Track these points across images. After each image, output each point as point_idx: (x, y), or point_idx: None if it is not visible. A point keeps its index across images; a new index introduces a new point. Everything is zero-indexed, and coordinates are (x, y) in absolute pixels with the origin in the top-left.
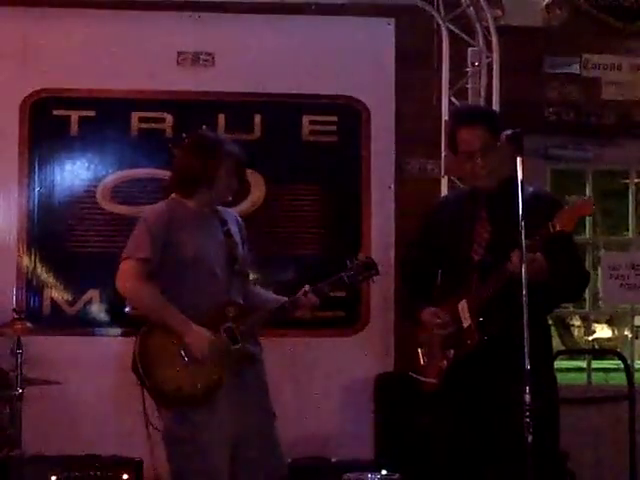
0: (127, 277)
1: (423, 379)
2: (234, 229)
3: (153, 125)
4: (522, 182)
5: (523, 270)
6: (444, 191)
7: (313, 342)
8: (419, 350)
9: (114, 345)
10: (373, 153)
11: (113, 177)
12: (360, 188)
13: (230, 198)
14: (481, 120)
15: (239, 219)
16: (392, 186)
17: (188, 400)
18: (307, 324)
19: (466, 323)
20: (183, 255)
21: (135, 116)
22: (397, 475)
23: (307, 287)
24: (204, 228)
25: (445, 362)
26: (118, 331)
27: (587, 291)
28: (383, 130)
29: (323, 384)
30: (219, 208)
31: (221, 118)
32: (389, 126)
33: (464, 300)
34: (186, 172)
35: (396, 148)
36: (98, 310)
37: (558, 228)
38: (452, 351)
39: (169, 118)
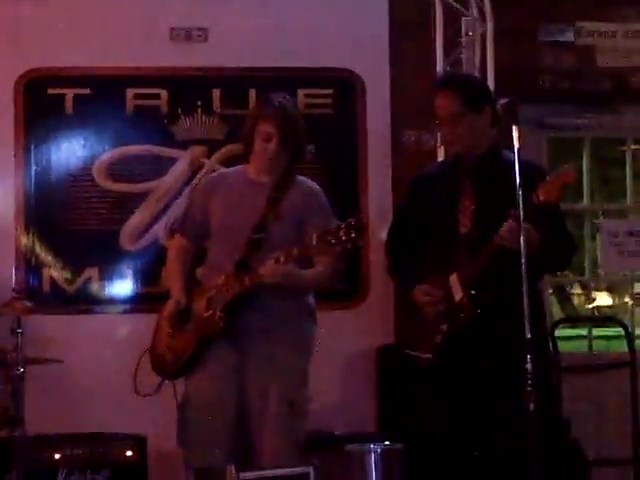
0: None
1: (418, 355)
2: (294, 201)
3: (148, 102)
4: (513, 151)
5: (522, 240)
6: None
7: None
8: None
9: (114, 323)
10: (369, 125)
11: (109, 154)
12: (357, 160)
13: (267, 165)
14: (453, 85)
15: (314, 194)
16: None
17: (172, 372)
18: None
19: (458, 296)
20: (214, 222)
21: (130, 93)
22: (399, 445)
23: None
24: (242, 196)
25: (439, 336)
26: (118, 308)
27: (587, 259)
28: (378, 102)
29: (324, 357)
30: (298, 179)
31: (216, 93)
32: (384, 98)
33: (454, 274)
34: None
35: (392, 120)
36: (97, 288)
37: (542, 198)
38: (445, 325)
39: (164, 94)
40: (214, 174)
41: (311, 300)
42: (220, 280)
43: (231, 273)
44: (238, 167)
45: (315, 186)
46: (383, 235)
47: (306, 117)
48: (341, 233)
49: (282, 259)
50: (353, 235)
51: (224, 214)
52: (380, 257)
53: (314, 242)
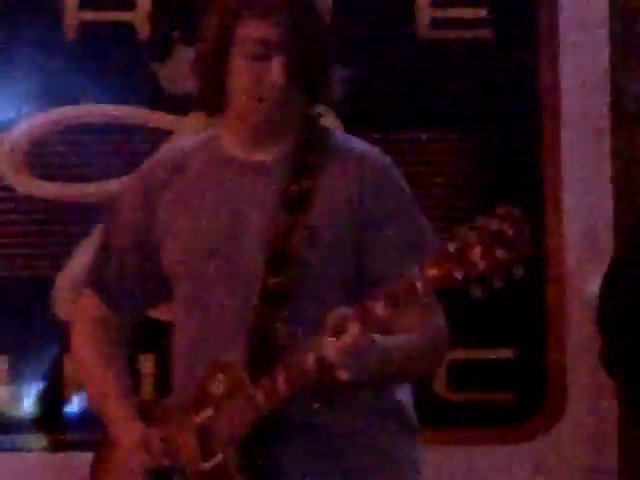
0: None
1: None
2: (340, 192)
3: (110, 16)
4: None
5: None
6: None
7: (459, 454)
8: None
9: (35, 465)
10: (564, 67)
11: (30, 124)
12: (539, 139)
13: (266, 121)
14: None
15: (379, 170)
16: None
17: None
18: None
19: None
20: (169, 258)
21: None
22: None
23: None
24: (228, 196)
25: None
26: (42, 442)
27: None
28: (584, 23)
29: None
30: (336, 140)
31: None
32: (598, 14)
33: None
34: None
35: (612, 60)
36: (9, 400)
37: None
38: None
39: (144, 2)
40: (159, 154)
41: (403, 395)
42: (216, 388)
43: (238, 372)
44: (206, 136)
45: (378, 155)
46: (593, 288)
47: (435, 47)
48: (474, 252)
49: (356, 328)
50: (501, 253)
51: (195, 239)
52: (586, 331)
53: (421, 282)
